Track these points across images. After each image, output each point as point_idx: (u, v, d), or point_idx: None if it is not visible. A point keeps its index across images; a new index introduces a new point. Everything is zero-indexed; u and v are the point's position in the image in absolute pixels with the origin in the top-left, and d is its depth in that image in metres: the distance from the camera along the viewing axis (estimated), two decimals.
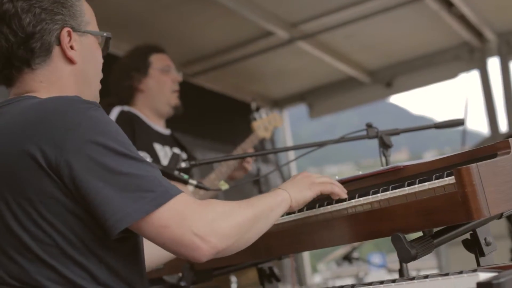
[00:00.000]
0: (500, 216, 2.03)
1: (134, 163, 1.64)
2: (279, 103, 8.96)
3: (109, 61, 6.40)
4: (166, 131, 4.01)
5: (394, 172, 1.97)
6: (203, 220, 1.64)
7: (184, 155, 3.93)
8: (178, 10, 6.06)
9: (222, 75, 7.75)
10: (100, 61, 1.99)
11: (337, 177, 2.10)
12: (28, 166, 1.61)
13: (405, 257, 1.70)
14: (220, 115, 7.91)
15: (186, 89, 7.38)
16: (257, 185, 4.68)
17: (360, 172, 2.10)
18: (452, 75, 7.92)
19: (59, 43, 1.85)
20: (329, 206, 1.94)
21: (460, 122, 2.68)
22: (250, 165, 3.83)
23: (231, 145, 7.74)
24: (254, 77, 8.06)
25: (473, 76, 7.70)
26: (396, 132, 2.56)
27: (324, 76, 8.32)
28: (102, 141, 1.62)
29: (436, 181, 1.72)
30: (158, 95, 3.85)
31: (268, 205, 1.85)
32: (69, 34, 1.86)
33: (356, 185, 2.04)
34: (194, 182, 2.44)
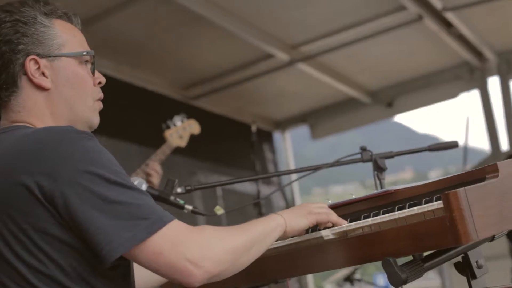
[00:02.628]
0: (492, 238, 2.04)
1: (127, 191, 1.65)
2: (280, 125, 9.01)
3: (122, 87, 6.36)
4: None
5: (386, 196, 1.98)
6: (196, 246, 1.65)
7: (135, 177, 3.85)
8: (178, 33, 6.12)
9: (223, 97, 7.80)
10: (85, 80, 1.95)
11: (330, 201, 2.12)
12: (23, 197, 1.63)
13: (396, 282, 1.70)
14: (221, 137, 7.94)
15: (187, 112, 7.45)
16: (257, 208, 4.66)
17: (354, 196, 2.12)
18: (452, 94, 7.96)
19: (26, 72, 1.85)
20: (321, 231, 1.95)
21: (454, 145, 2.69)
22: (155, 173, 3.65)
23: (233, 167, 7.81)
24: (255, 99, 8.11)
25: (474, 95, 7.73)
26: (390, 155, 2.56)
27: (325, 97, 8.37)
28: (95, 171, 1.63)
29: (425, 205, 1.72)
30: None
31: (262, 230, 1.86)
32: (36, 62, 1.86)
33: (348, 210, 2.06)
34: (190, 207, 2.44)
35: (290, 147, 9.03)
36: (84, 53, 1.96)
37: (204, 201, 7.06)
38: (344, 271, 6.10)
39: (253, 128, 5.16)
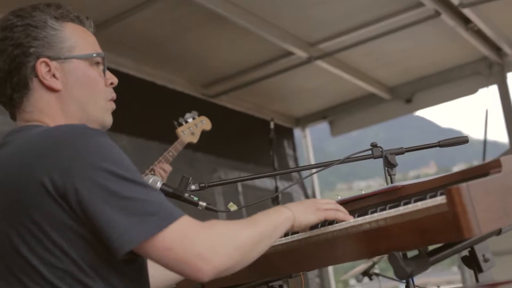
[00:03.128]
0: (499, 232, 2.08)
1: (138, 187, 1.71)
2: (300, 122, 9.05)
3: (143, 85, 6.43)
4: None
5: (393, 192, 2.04)
6: (205, 242, 1.70)
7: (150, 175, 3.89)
8: (198, 33, 6.18)
9: (243, 95, 7.86)
10: (96, 80, 2.02)
11: (339, 197, 2.18)
12: (37, 193, 1.69)
13: (401, 275, 1.75)
14: (242, 134, 8.00)
15: (208, 109, 7.52)
16: (275, 203, 4.69)
17: (363, 192, 2.18)
18: (472, 90, 7.94)
19: (37, 74, 1.93)
20: (330, 226, 2.00)
21: (464, 140, 2.71)
22: (162, 172, 3.71)
23: (253, 164, 7.87)
24: (275, 96, 8.16)
25: (493, 90, 7.71)
26: (401, 152, 2.60)
27: (344, 93, 8.40)
28: (107, 167, 1.69)
29: (429, 200, 1.76)
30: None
31: (272, 223, 1.90)
32: (47, 64, 1.93)
33: (357, 205, 2.12)
34: (203, 204, 2.49)
35: (310, 143, 9.08)
36: (94, 55, 2.02)
37: (224, 197, 7.13)
38: (363, 265, 6.12)
39: (271, 125, 5.21)
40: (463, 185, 1.65)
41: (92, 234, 1.70)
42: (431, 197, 1.81)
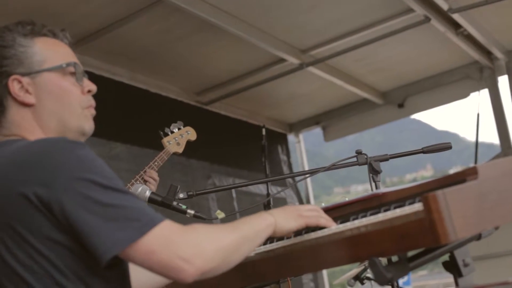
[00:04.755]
0: (479, 237, 2.14)
1: (120, 195, 1.76)
2: (294, 127, 9.10)
3: (137, 94, 6.47)
4: None
5: (374, 199, 2.09)
6: (187, 244, 1.75)
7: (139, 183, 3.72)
8: (190, 41, 6.23)
9: (236, 102, 7.92)
10: (69, 90, 2.06)
11: (323, 204, 2.23)
12: (22, 206, 1.74)
13: (381, 281, 1.80)
14: (236, 141, 8.05)
15: (202, 117, 7.57)
16: (267, 209, 4.72)
17: (347, 199, 2.23)
18: (463, 94, 7.99)
19: (10, 92, 1.99)
20: (313, 233, 2.05)
21: (447, 146, 2.77)
22: (152, 180, 3.72)
23: (248, 170, 7.92)
24: (268, 102, 8.22)
25: (485, 94, 7.75)
26: (385, 158, 2.66)
27: (336, 99, 8.46)
28: (89, 177, 1.74)
29: (407, 207, 1.82)
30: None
31: (253, 228, 1.95)
32: (19, 81, 2.00)
33: (340, 212, 2.17)
34: (192, 212, 2.54)
35: (304, 148, 9.12)
36: (64, 65, 2.07)
37: (218, 203, 7.18)
38: (354, 270, 6.12)
39: (263, 132, 5.24)
40: (439, 192, 1.69)
41: (77, 242, 1.75)
42: (409, 204, 1.87)
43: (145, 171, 3.73)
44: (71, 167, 1.75)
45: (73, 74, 2.09)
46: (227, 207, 7.32)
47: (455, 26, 6.59)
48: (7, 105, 2.01)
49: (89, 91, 2.13)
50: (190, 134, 4.10)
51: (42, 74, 2.03)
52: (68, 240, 1.76)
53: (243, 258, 1.92)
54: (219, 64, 6.90)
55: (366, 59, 7.28)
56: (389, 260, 2.45)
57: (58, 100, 2.04)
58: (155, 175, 3.72)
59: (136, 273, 2.07)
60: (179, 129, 4.06)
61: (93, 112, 2.13)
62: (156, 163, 3.85)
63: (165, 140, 3.99)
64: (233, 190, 7.56)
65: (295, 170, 8.97)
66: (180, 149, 4.03)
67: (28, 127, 2.01)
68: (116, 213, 1.73)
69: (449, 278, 2.10)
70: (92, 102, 2.14)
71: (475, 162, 7.35)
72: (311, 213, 2.09)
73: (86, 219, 1.71)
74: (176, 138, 4.01)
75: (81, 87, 2.10)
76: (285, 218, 2.05)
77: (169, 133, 4.02)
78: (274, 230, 2.02)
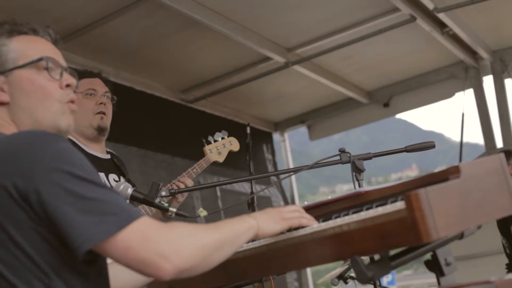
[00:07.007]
0: (461, 236, 2.13)
1: (98, 188, 1.75)
2: (279, 126, 9.09)
3: (121, 91, 6.51)
4: (105, 155, 3.87)
5: (357, 197, 2.08)
6: (166, 241, 1.73)
7: (122, 180, 3.74)
8: (175, 38, 6.21)
9: (221, 100, 7.90)
10: (44, 86, 2.03)
11: (306, 203, 2.22)
12: (3, 199, 1.73)
13: (363, 279, 1.80)
14: None
15: (187, 114, 7.55)
16: (251, 207, 4.71)
17: (329, 197, 2.22)
18: (448, 94, 8.03)
19: None
20: (295, 232, 2.05)
21: (431, 145, 2.77)
22: (181, 196, 3.63)
23: (233, 168, 7.90)
24: (253, 101, 8.20)
25: (470, 94, 7.79)
26: (368, 157, 2.65)
27: (322, 98, 8.46)
28: (68, 169, 1.73)
29: (389, 206, 1.81)
30: (79, 117, 3.56)
31: (235, 231, 1.94)
32: None
33: (322, 210, 2.16)
34: (174, 209, 2.52)
35: (289, 147, 9.12)
36: (36, 60, 2.04)
37: (203, 201, 7.16)
38: (338, 269, 6.11)
39: (248, 130, 5.23)
40: (421, 191, 1.69)
41: (54, 235, 1.74)
42: (392, 202, 1.86)
43: (182, 176, 3.71)
44: (50, 159, 1.74)
45: (50, 69, 2.05)
46: (211, 205, 7.30)
47: (441, 25, 6.61)
48: None
49: (67, 85, 2.09)
50: (233, 144, 4.12)
51: (15, 71, 2.02)
52: (46, 233, 1.74)
53: (223, 260, 1.91)
54: (204, 62, 6.88)
55: (351, 58, 7.28)
56: (371, 259, 2.45)
57: (32, 97, 2.02)
58: (188, 182, 3.69)
59: (116, 272, 2.05)
60: (222, 138, 4.07)
61: (73, 107, 2.09)
62: (194, 170, 3.84)
63: (206, 148, 3.98)
64: (217, 189, 7.54)
65: (280, 169, 8.95)
66: (221, 159, 4.04)
67: (4, 124, 2.00)
68: (94, 206, 1.71)
69: (434, 277, 2.09)
70: (72, 96, 2.09)
71: (460, 161, 7.36)
72: (293, 214, 2.08)
73: (64, 211, 1.70)
74: (218, 147, 4.01)
75: (59, 81, 2.07)
76: (268, 222, 2.04)
77: (212, 141, 4.02)
78: (257, 233, 2.01)
